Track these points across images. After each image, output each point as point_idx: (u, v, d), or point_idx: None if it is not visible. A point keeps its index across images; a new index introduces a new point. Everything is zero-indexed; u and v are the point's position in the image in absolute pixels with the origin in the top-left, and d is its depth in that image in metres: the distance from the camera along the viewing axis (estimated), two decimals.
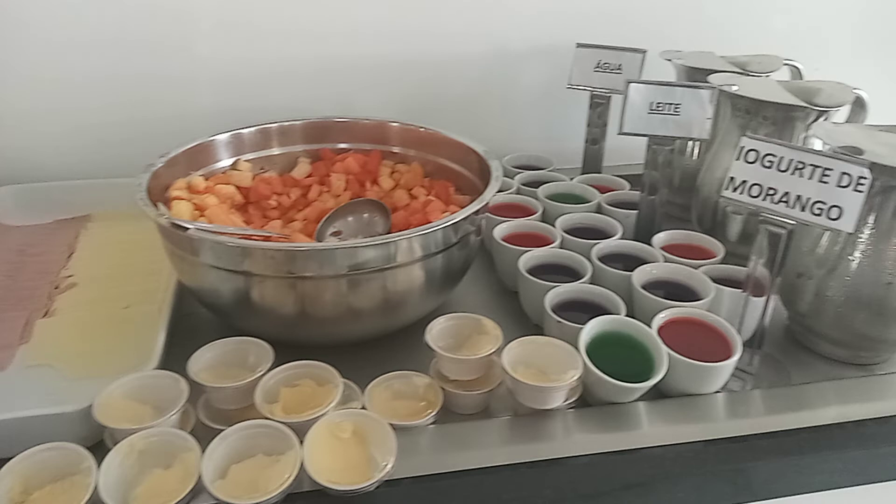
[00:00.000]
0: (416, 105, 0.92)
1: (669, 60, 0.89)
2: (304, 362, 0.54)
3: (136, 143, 0.90)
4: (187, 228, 0.55)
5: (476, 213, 0.62)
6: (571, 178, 0.87)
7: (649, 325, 0.57)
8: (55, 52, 0.86)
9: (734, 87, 0.73)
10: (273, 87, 0.94)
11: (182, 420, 0.51)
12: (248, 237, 0.65)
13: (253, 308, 0.58)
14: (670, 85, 0.70)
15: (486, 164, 0.70)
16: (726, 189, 0.58)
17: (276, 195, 0.76)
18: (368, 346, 0.61)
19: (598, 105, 0.91)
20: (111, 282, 0.72)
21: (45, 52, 0.86)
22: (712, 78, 0.77)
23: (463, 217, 0.60)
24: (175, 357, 0.56)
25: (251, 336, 0.57)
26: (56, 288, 0.70)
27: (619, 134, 0.72)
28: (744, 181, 0.57)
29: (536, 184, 0.84)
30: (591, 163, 0.94)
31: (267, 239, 0.66)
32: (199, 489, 0.45)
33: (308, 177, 0.79)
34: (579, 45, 0.90)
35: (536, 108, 1.01)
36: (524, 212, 0.79)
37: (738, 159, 0.57)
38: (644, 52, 0.88)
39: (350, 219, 0.73)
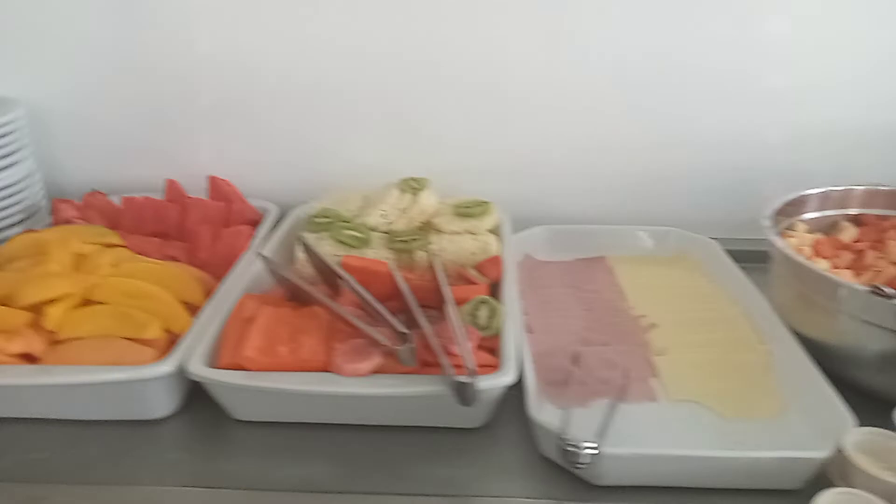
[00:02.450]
0: None
1: None
2: None
3: (644, 197, 1.02)
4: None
5: None
6: None
7: None
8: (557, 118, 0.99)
9: None
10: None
11: None
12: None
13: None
14: None
15: None
16: None
17: (835, 257, 0.79)
18: None
19: None
20: (686, 325, 0.79)
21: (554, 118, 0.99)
22: None
23: None
24: None
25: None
26: (641, 327, 0.79)
27: None
28: None
29: None
30: None
31: None
32: None
33: (856, 241, 0.82)
34: None
35: None
36: None
37: None
38: None
39: None
